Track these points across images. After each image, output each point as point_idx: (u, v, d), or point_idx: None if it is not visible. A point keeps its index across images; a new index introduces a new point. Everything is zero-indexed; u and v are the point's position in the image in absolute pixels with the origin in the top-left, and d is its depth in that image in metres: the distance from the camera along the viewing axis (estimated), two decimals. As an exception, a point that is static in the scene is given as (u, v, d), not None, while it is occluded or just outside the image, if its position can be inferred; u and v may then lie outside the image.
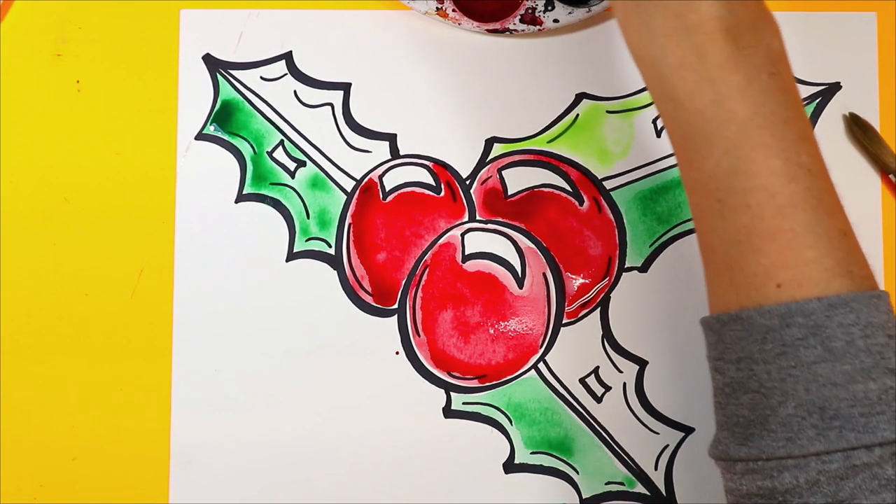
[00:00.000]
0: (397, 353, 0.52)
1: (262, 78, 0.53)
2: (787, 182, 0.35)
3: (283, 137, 0.53)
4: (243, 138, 0.53)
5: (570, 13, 0.51)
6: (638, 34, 0.37)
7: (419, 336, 0.52)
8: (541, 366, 0.52)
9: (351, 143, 0.53)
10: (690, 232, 0.52)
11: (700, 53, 0.35)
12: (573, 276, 0.52)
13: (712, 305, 0.38)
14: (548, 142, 0.53)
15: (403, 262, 0.52)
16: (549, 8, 0.51)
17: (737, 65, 0.35)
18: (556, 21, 0.51)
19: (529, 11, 0.52)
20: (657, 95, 0.38)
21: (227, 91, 0.53)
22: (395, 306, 0.52)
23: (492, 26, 0.52)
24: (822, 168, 0.36)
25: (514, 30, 0.52)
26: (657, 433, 0.51)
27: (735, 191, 0.35)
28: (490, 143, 0.53)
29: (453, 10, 0.51)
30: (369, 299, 0.52)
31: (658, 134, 0.53)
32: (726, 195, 0.35)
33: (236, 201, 0.53)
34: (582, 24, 0.52)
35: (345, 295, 0.52)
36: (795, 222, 0.34)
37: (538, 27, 0.51)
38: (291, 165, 0.53)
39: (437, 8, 0.51)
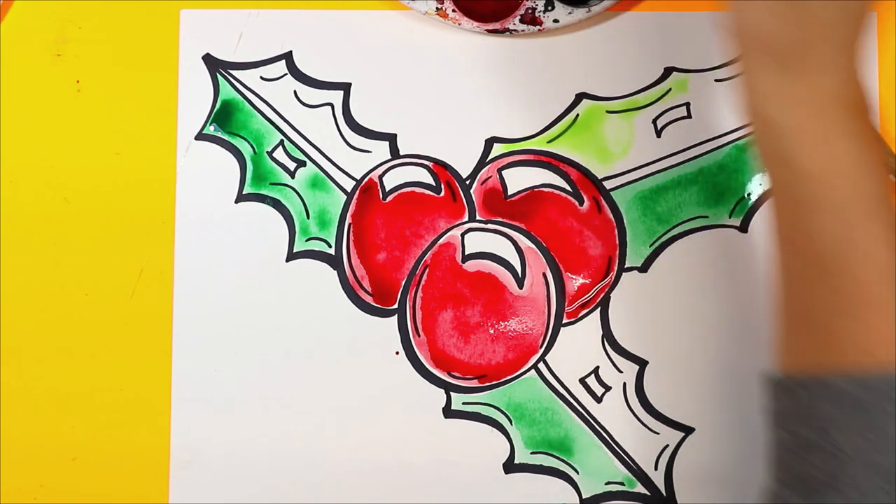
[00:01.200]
0: (397, 353, 0.52)
1: (262, 78, 0.53)
2: (892, 251, 0.35)
3: (283, 137, 0.53)
4: (243, 138, 0.53)
5: (570, 13, 0.51)
6: (761, 95, 0.38)
7: (419, 336, 0.52)
8: (541, 366, 0.52)
9: (351, 143, 0.53)
10: (690, 232, 0.52)
11: (822, 120, 0.36)
12: (573, 276, 0.52)
13: (788, 363, 0.38)
14: (548, 142, 0.53)
15: (403, 262, 0.52)
16: (549, 8, 0.51)
17: (851, 135, 0.36)
18: (556, 21, 0.51)
19: (529, 11, 0.52)
20: (769, 156, 0.38)
21: (227, 91, 0.53)
22: (395, 306, 0.52)
23: (492, 26, 0.52)
24: None
25: (514, 30, 0.52)
26: (657, 433, 0.51)
27: (840, 256, 0.36)
28: (490, 143, 0.53)
29: (453, 11, 0.51)
30: (369, 299, 0.52)
31: (658, 134, 0.53)
32: (830, 260, 0.36)
33: (236, 201, 0.53)
34: (582, 25, 0.52)
35: (345, 295, 0.52)
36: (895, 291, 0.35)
37: (538, 27, 0.51)
38: (291, 165, 0.53)
39: (436, 8, 0.51)
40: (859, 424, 0.34)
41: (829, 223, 0.36)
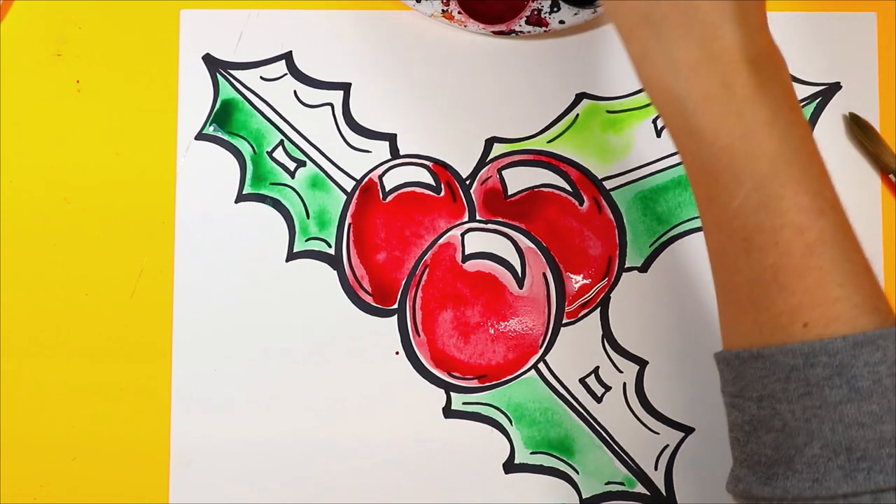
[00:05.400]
0: (397, 353, 0.52)
1: (262, 78, 0.53)
2: (816, 218, 0.34)
3: (282, 137, 0.53)
4: (243, 138, 0.53)
5: (575, 14, 0.51)
6: (657, 67, 0.35)
7: (419, 336, 0.52)
8: (541, 366, 0.52)
9: (351, 143, 0.53)
10: (690, 232, 0.52)
11: (726, 85, 0.34)
12: (573, 276, 0.52)
13: (728, 340, 0.37)
14: (548, 142, 0.53)
15: (403, 262, 0.52)
16: (555, 9, 0.51)
17: (763, 97, 0.34)
18: (561, 22, 0.51)
19: (535, 13, 0.51)
20: (678, 130, 0.36)
21: (226, 91, 0.53)
22: (395, 306, 0.52)
23: (497, 28, 0.51)
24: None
25: (520, 31, 0.51)
26: (657, 433, 0.51)
27: (763, 229, 0.34)
28: (490, 143, 0.53)
29: (459, 13, 0.51)
30: (369, 299, 0.52)
31: (658, 134, 0.53)
32: (753, 233, 0.34)
33: (236, 201, 0.53)
34: (587, 26, 0.52)
35: (345, 295, 0.52)
36: (824, 259, 0.33)
37: (544, 28, 0.51)
38: (291, 165, 0.53)
39: (442, 10, 0.51)
40: (805, 399, 0.33)
41: (744, 195, 0.34)
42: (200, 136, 0.53)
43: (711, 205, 0.36)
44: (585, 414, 0.51)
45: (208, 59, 0.53)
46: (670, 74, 0.35)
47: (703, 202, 0.36)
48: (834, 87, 0.53)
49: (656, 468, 0.51)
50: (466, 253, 0.52)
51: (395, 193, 0.52)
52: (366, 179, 0.53)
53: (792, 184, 0.34)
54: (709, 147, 0.35)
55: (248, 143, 0.53)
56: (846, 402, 0.33)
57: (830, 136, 0.52)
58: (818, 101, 0.53)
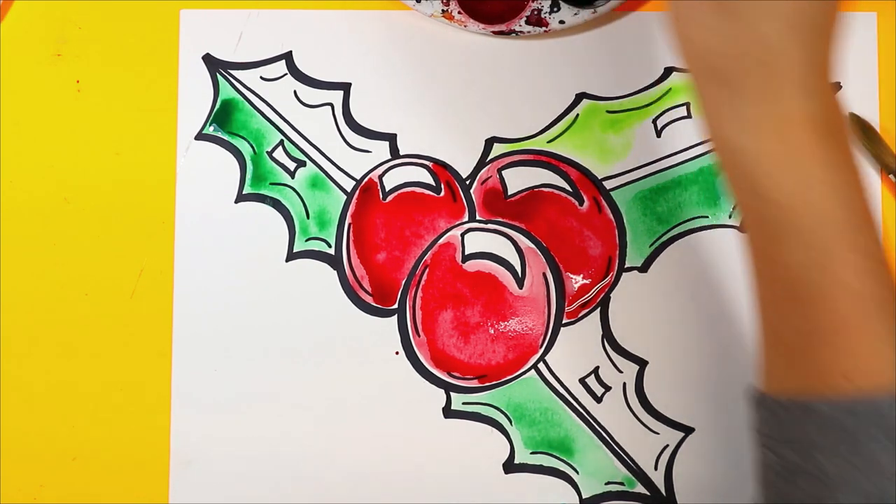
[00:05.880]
0: (397, 353, 0.52)
1: (262, 78, 0.53)
2: (866, 278, 0.34)
3: (282, 137, 0.53)
4: (243, 138, 0.53)
5: (575, 14, 0.51)
6: (721, 119, 0.36)
7: (419, 336, 0.52)
8: (541, 366, 0.52)
9: (351, 143, 0.53)
10: (690, 232, 0.52)
11: (787, 143, 0.35)
12: (573, 276, 0.52)
13: (769, 385, 0.37)
14: (548, 142, 0.53)
15: (403, 262, 0.52)
16: (555, 9, 0.51)
17: (822, 158, 0.35)
18: (561, 22, 0.51)
19: (535, 13, 0.51)
20: (738, 184, 0.37)
21: (226, 91, 0.53)
22: (395, 306, 0.52)
23: (497, 28, 0.51)
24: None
25: (521, 31, 0.51)
26: (657, 433, 0.51)
27: (813, 285, 0.35)
28: (490, 143, 0.53)
29: (459, 13, 0.51)
30: (369, 299, 0.52)
31: (658, 134, 0.53)
32: (803, 288, 0.35)
33: (236, 201, 0.53)
34: (587, 26, 0.52)
35: (345, 295, 0.52)
36: (870, 318, 0.34)
37: (544, 28, 0.51)
38: (291, 165, 0.53)
39: (442, 10, 0.51)
40: (844, 449, 0.34)
41: (798, 251, 0.35)
42: (200, 136, 0.53)
43: (764, 255, 0.37)
44: (585, 414, 0.51)
45: (208, 59, 0.53)
46: (735, 129, 0.35)
47: (756, 252, 0.37)
48: (834, 88, 0.53)
49: (656, 468, 0.51)
50: (466, 253, 0.52)
51: (395, 193, 0.52)
52: (366, 179, 0.53)
53: (845, 244, 0.35)
54: (766, 202, 0.35)
55: (248, 143, 0.53)
56: (886, 454, 0.33)
57: (830, 136, 0.52)
58: (818, 101, 0.52)
